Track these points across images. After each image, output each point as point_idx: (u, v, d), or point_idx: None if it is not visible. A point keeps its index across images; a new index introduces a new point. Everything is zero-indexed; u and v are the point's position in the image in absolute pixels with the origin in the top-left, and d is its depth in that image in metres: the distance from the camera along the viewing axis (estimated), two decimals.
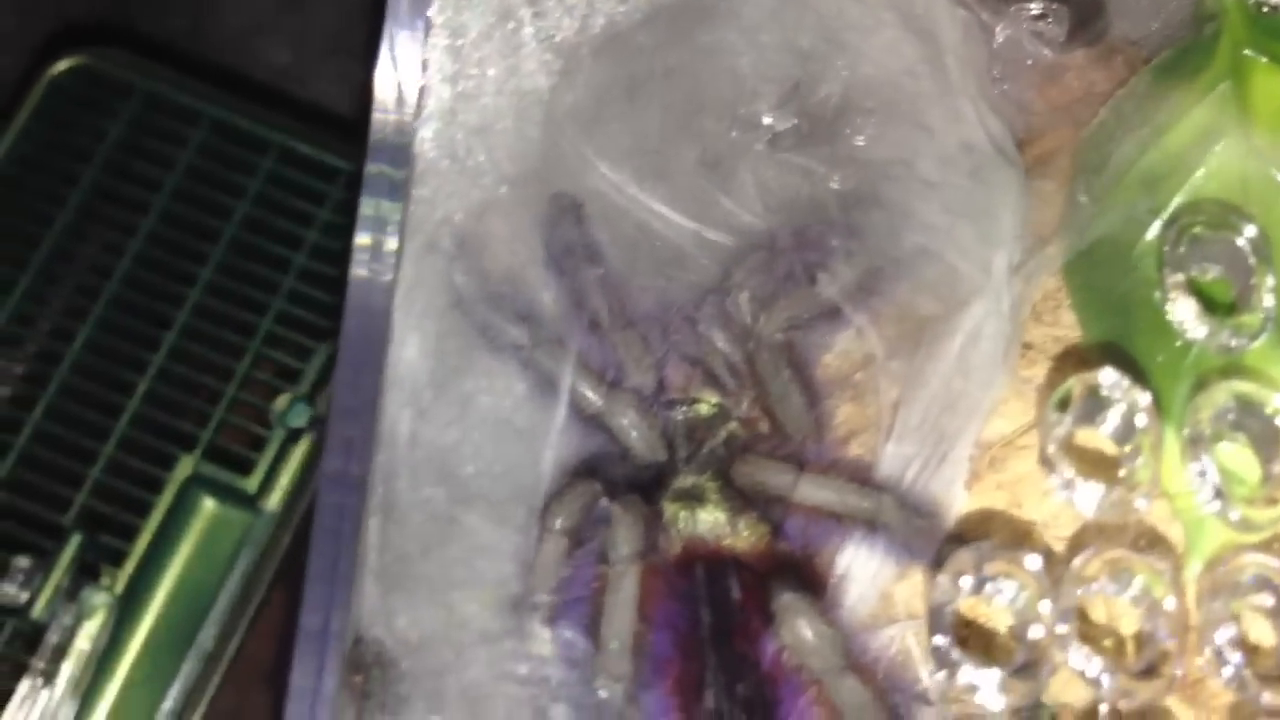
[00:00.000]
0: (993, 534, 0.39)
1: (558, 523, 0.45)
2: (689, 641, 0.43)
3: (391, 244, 0.44)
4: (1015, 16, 0.52)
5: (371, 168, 0.44)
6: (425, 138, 0.40)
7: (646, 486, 0.46)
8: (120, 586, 0.78)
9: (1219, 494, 0.37)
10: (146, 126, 0.83)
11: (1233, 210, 0.40)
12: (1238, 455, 0.39)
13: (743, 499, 0.46)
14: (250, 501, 0.76)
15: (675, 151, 0.52)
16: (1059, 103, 0.50)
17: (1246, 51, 0.45)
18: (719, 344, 0.48)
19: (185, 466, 0.79)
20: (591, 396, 0.46)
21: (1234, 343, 0.38)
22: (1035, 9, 0.52)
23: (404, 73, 0.43)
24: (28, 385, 0.80)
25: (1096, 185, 0.43)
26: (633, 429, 0.46)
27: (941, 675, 0.36)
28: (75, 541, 0.76)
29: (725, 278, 0.49)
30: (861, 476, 0.44)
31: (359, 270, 0.44)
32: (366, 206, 0.44)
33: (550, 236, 0.49)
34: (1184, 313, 0.38)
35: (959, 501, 0.42)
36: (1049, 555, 0.39)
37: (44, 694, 0.75)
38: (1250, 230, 0.38)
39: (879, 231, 0.42)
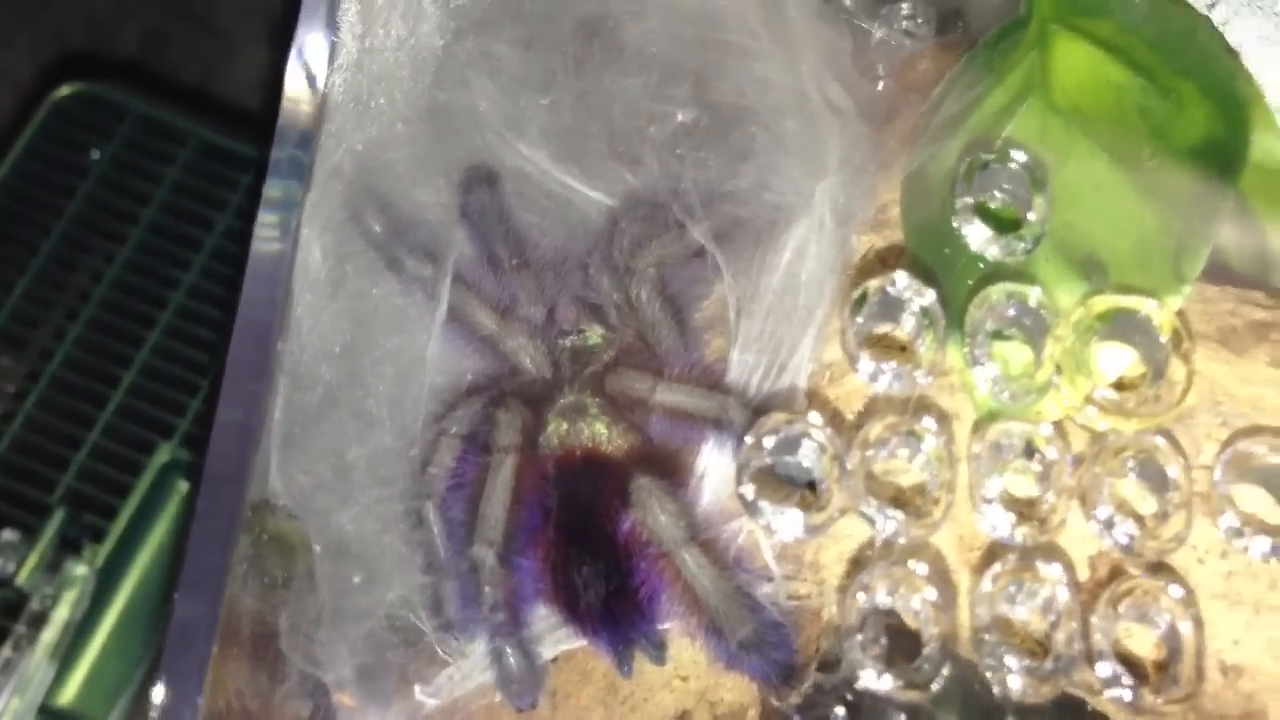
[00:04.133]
0: None
1: (452, 428, 0.53)
2: (557, 518, 0.50)
3: (292, 222, 0.50)
4: (889, 17, 0.62)
5: (277, 152, 0.51)
6: (335, 84, 0.48)
7: (532, 403, 0.54)
8: (100, 560, 0.85)
9: (993, 377, 0.45)
10: (138, 146, 0.92)
11: (1012, 144, 0.48)
12: (1011, 347, 0.47)
13: (618, 413, 0.53)
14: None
15: (587, 137, 0.60)
16: (915, 83, 0.59)
17: (1051, 25, 0.53)
18: (605, 285, 0.55)
19: (164, 453, 0.86)
20: (485, 320, 0.54)
21: (1010, 254, 0.47)
22: (905, 9, 0.61)
23: (311, 66, 0.51)
24: (24, 379, 0.89)
25: (925, 139, 0.52)
26: (522, 351, 0.54)
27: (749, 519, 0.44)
28: (59, 517, 0.83)
29: (612, 228, 0.56)
30: (714, 383, 0.51)
31: (261, 246, 0.50)
32: (272, 188, 0.51)
33: (466, 199, 0.58)
34: (970, 229, 0.46)
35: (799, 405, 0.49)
36: (842, 421, 0.47)
37: (24, 658, 0.79)
38: (1022, 157, 0.47)
39: (726, 170, 0.51)
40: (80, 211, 0.91)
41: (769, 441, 0.43)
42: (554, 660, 0.55)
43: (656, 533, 0.49)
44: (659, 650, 0.51)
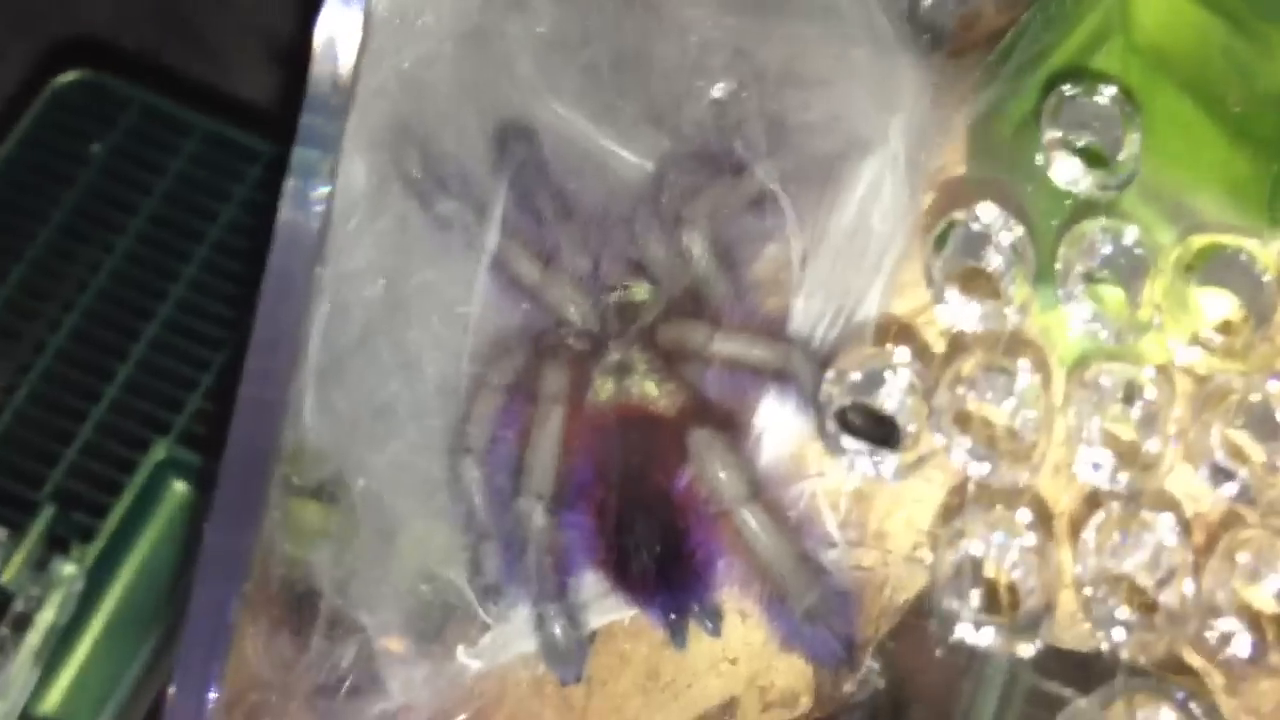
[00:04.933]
0: None
1: (494, 379, 0.49)
2: (608, 471, 0.46)
3: (321, 191, 0.47)
4: None
5: (306, 119, 0.48)
6: (380, 4, 0.45)
7: (578, 359, 0.50)
8: (89, 561, 0.80)
9: (1089, 316, 0.42)
10: (141, 135, 0.88)
11: (1101, 77, 0.45)
12: (1105, 289, 0.44)
13: (668, 368, 0.49)
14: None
15: (624, 102, 0.57)
16: (981, 35, 0.56)
17: None
18: (652, 238, 0.52)
19: (159, 450, 0.82)
20: (528, 269, 0.50)
21: (1103, 189, 0.43)
22: None
23: (339, 34, 0.48)
24: (15, 372, 0.85)
25: (1001, 78, 0.48)
26: (569, 301, 0.51)
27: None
28: (47, 514, 0.79)
29: (659, 178, 0.53)
30: (775, 333, 0.48)
31: (286, 214, 0.47)
32: (299, 155, 0.48)
33: (502, 153, 0.54)
34: (1059, 164, 0.43)
35: None
36: (930, 358, 0.43)
37: (6, 662, 0.75)
38: (1112, 90, 0.44)
39: (793, 102, 0.47)
40: (80, 201, 0.88)
41: (853, 377, 0.39)
42: (590, 640, 0.50)
43: (715, 489, 0.46)
44: (715, 620, 0.48)
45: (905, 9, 0.54)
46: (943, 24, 0.58)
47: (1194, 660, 0.42)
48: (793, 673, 0.52)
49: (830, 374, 0.41)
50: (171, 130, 0.90)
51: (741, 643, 0.52)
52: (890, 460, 0.40)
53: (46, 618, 0.78)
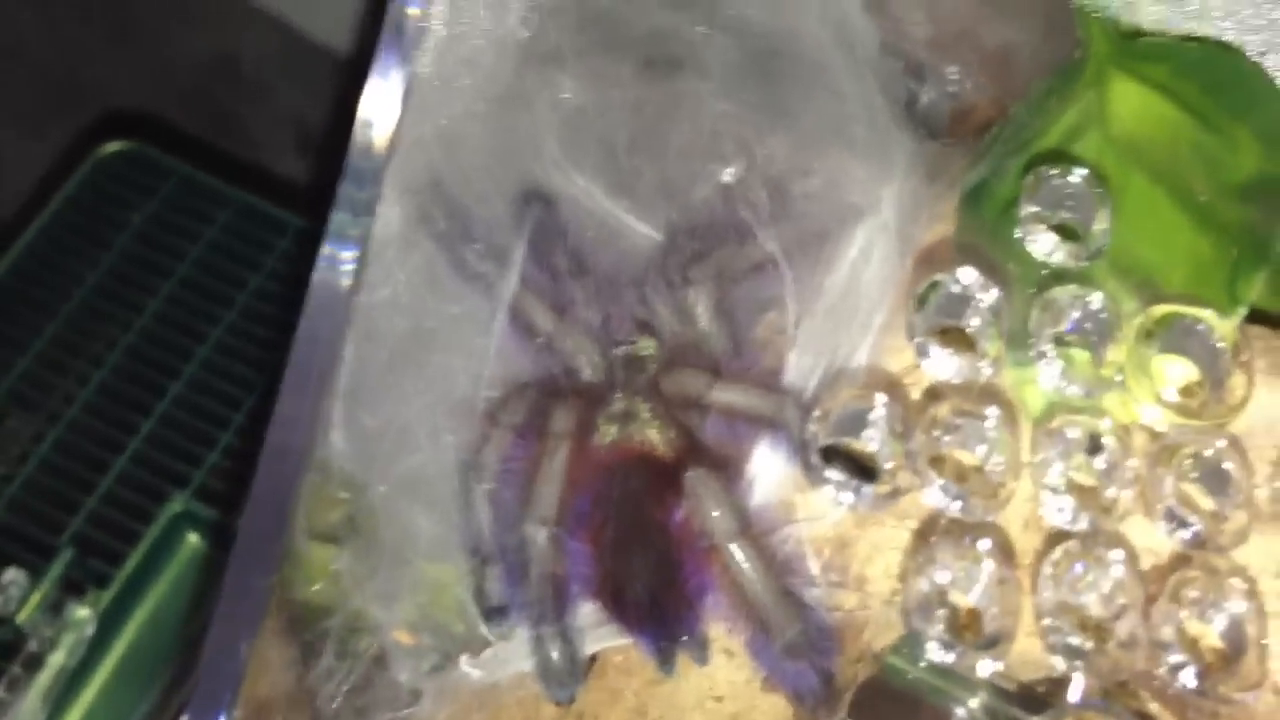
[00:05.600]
0: None
1: (506, 418, 0.54)
2: (608, 504, 0.51)
3: (352, 255, 0.52)
4: (937, 81, 0.64)
5: (345, 188, 0.52)
6: (424, 64, 0.50)
7: (586, 403, 0.55)
8: (103, 606, 0.84)
9: (1059, 372, 0.46)
10: (177, 205, 0.95)
11: (1074, 160, 0.50)
12: (1073, 352, 0.49)
13: (669, 416, 0.54)
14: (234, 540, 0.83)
15: (640, 175, 0.62)
16: (971, 127, 0.62)
17: (1109, 67, 0.56)
18: (660, 299, 0.57)
19: (176, 503, 0.86)
20: (542, 320, 0.55)
21: (1073, 261, 0.48)
22: (953, 74, 0.64)
23: (379, 109, 0.53)
24: (45, 421, 0.89)
25: (987, 159, 0.54)
26: (579, 351, 0.55)
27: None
28: (65, 558, 0.83)
29: (669, 243, 0.58)
30: (770, 385, 0.52)
31: (322, 275, 0.51)
32: (335, 222, 0.52)
33: (524, 214, 0.60)
34: (1034, 237, 0.48)
35: None
36: (907, 403, 0.48)
37: (16, 700, 0.78)
38: (1083, 172, 0.49)
39: (793, 171, 0.53)
40: (115, 263, 0.93)
41: (836, 415, 0.43)
42: (590, 663, 0.54)
43: (707, 525, 0.50)
44: (702, 650, 0.51)
45: (904, 101, 0.59)
46: (939, 117, 0.63)
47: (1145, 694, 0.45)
48: (775, 713, 0.55)
49: (815, 413, 0.45)
50: (206, 201, 0.96)
51: (727, 681, 0.55)
52: (867, 491, 0.43)
53: (58, 659, 0.81)
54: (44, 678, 0.81)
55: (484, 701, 0.52)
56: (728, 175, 0.61)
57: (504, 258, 0.52)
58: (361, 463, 0.47)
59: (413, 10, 0.50)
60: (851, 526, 0.51)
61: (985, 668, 0.41)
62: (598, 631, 0.52)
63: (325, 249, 0.51)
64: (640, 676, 0.56)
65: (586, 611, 0.52)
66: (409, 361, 0.49)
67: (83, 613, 0.83)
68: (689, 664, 0.53)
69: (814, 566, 0.51)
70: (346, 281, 0.49)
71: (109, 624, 0.84)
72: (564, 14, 0.53)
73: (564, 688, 0.50)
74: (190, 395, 0.89)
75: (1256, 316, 0.53)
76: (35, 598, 0.82)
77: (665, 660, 0.50)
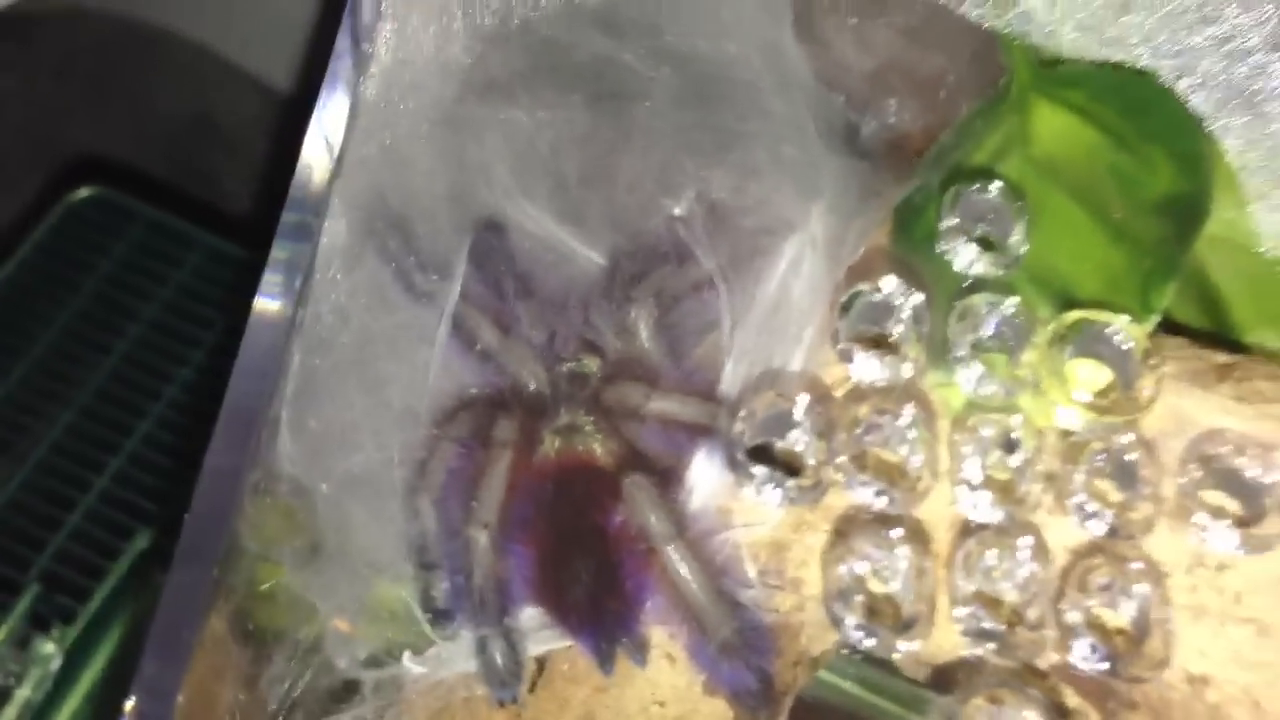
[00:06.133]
0: None
1: (451, 431, 0.57)
2: (550, 511, 0.53)
3: (295, 283, 0.54)
4: (876, 113, 0.68)
5: (288, 217, 0.55)
6: (370, 89, 0.53)
7: (530, 417, 0.58)
8: (69, 642, 0.86)
9: (978, 375, 0.50)
10: (147, 248, 0.98)
11: (992, 175, 0.54)
12: (991, 357, 0.52)
13: (611, 429, 0.57)
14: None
15: (589, 205, 0.65)
16: (905, 152, 0.66)
17: (1030, 93, 0.60)
18: (602, 319, 0.60)
19: (142, 539, 0.88)
20: (489, 336, 0.58)
21: (992, 270, 0.51)
22: (890, 104, 0.68)
23: (326, 143, 0.56)
24: (13, 461, 0.92)
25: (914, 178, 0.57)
26: (524, 367, 0.58)
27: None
28: (31, 593, 0.84)
29: (613, 267, 0.61)
30: (706, 394, 0.55)
31: (264, 302, 0.54)
32: (279, 250, 0.55)
33: (475, 242, 0.63)
34: (954, 248, 0.52)
35: None
36: (831, 404, 0.51)
37: None
38: (999, 184, 0.52)
39: (728, 190, 0.56)
40: (85, 305, 0.95)
41: (760, 417, 0.46)
42: (531, 690, 0.56)
43: (644, 528, 0.52)
44: (641, 651, 0.53)
45: (845, 132, 0.62)
46: (877, 147, 0.67)
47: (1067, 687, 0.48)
48: (716, 716, 0.57)
49: (742, 413, 0.48)
50: (175, 244, 1.00)
51: (669, 686, 0.57)
52: (791, 486, 0.46)
53: (23, 694, 0.83)
54: (9, 712, 0.82)
55: (431, 706, 0.54)
56: (676, 209, 0.62)
57: (449, 274, 0.55)
58: (306, 463, 0.50)
59: (360, 45, 0.52)
60: (788, 531, 0.53)
61: (903, 648, 0.43)
62: (540, 634, 0.54)
63: (266, 276, 0.54)
64: (587, 684, 0.58)
65: (529, 614, 0.53)
66: (353, 367, 0.52)
67: (49, 648, 0.85)
68: (634, 671, 0.56)
69: (750, 570, 0.53)
70: (287, 308, 0.51)
71: (75, 659, 0.86)
72: (506, 42, 0.56)
73: (507, 688, 0.52)
74: (158, 433, 0.92)
75: (1172, 328, 0.56)
76: (1, 633, 0.84)
77: (605, 660, 0.52)
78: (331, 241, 0.49)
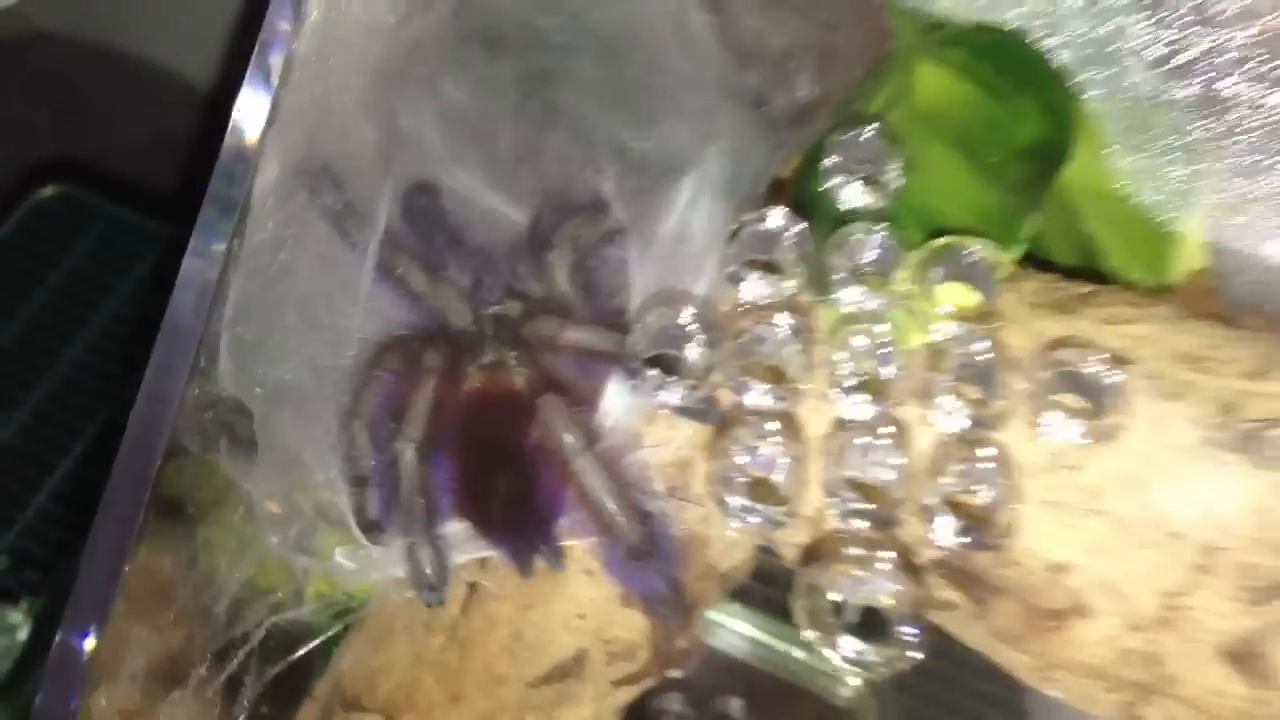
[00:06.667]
0: None
1: (383, 363, 0.63)
2: (472, 430, 0.60)
3: (219, 247, 0.59)
4: (787, 86, 0.75)
5: (215, 185, 0.59)
6: (300, 46, 0.60)
7: (457, 353, 0.64)
8: (35, 612, 0.91)
9: (857, 294, 0.56)
10: (110, 243, 1.04)
11: (867, 118, 0.61)
12: (868, 279, 0.59)
13: (532, 361, 0.63)
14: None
15: (519, 177, 0.72)
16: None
17: (914, 53, 0.67)
18: (525, 267, 0.66)
19: None
20: (417, 279, 0.64)
21: (873, 202, 0.58)
22: (796, 73, 0.75)
23: (250, 118, 0.60)
24: None
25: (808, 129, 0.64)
26: (451, 309, 0.64)
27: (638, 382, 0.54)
28: (2, 562, 0.89)
29: (534, 220, 0.68)
30: (617, 326, 0.62)
31: (191, 261, 0.58)
32: (208, 211, 0.59)
33: (405, 196, 0.69)
34: (837, 185, 0.58)
35: None
36: (719, 318, 0.58)
37: None
38: (875, 126, 0.59)
39: (635, 138, 0.63)
40: (50, 298, 1.02)
41: (654, 330, 0.53)
42: (463, 612, 0.62)
43: (559, 443, 0.57)
44: (557, 558, 0.58)
45: (739, 90, 0.69)
46: (786, 114, 0.74)
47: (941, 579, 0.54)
48: (633, 627, 0.63)
49: (638, 326, 0.54)
50: (138, 238, 1.06)
51: (589, 600, 0.63)
52: (682, 385, 0.53)
53: None
54: None
55: (372, 635, 0.60)
56: (604, 181, 0.69)
57: (377, 221, 0.61)
58: (240, 373, 0.56)
59: (284, 25, 0.59)
60: (694, 450, 0.59)
61: (781, 520, 0.50)
62: (465, 545, 0.59)
63: (193, 242, 0.58)
64: (514, 603, 0.64)
65: (456, 528, 0.60)
66: (285, 288, 0.58)
67: (16, 617, 0.91)
68: (556, 588, 0.62)
69: (659, 488, 0.59)
70: (214, 273, 0.57)
71: (42, 629, 0.91)
72: (431, 7, 0.62)
73: (434, 591, 0.58)
74: (121, 418, 0.97)
75: (1047, 267, 0.63)
76: None
77: (523, 565, 0.58)
78: (265, 179, 0.54)
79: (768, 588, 0.75)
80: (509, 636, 0.64)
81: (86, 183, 1.09)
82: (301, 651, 0.63)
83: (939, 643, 0.68)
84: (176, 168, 1.17)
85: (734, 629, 0.83)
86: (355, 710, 0.64)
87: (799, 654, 0.83)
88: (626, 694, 0.64)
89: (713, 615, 0.81)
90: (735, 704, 0.79)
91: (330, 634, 0.65)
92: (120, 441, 0.54)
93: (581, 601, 0.63)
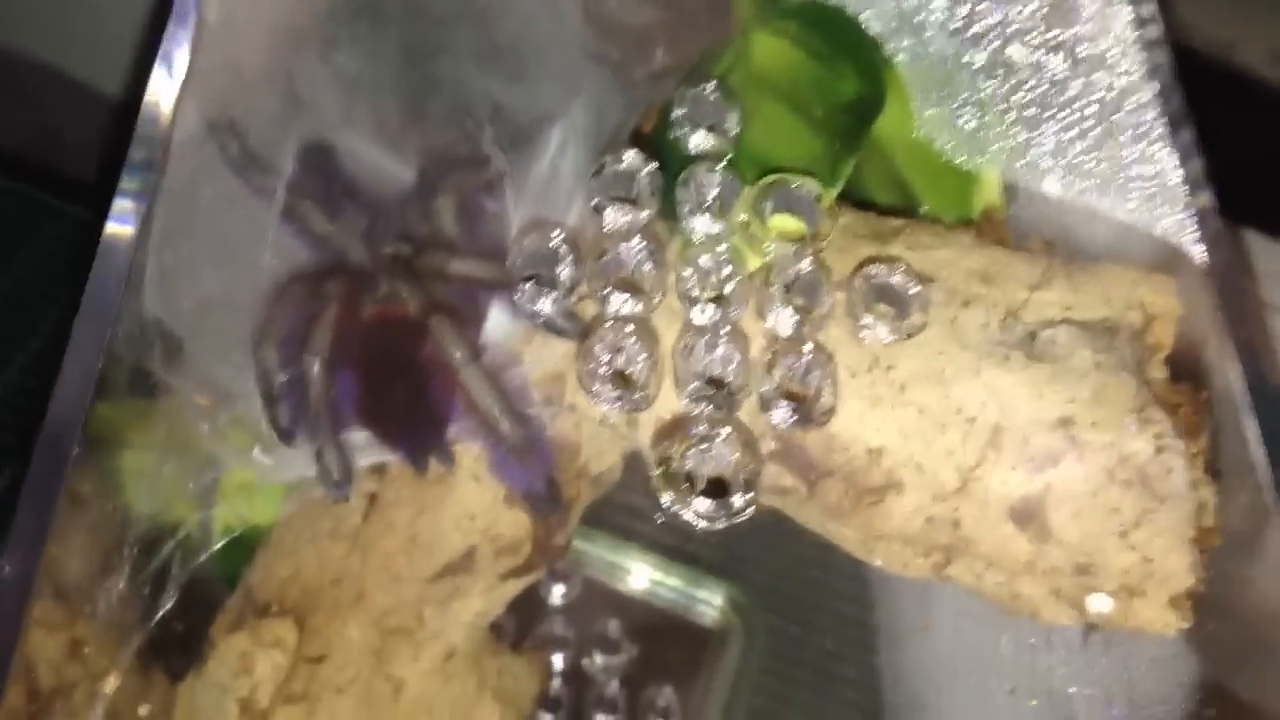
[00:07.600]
0: None
1: (289, 293, 0.73)
2: (371, 345, 0.70)
3: (140, 209, 0.67)
4: (646, 61, 0.87)
5: (135, 152, 0.68)
6: (212, 12, 0.70)
7: (355, 282, 0.74)
8: None
9: (704, 225, 0.68)
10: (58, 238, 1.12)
11: (707, 78, 0.73)
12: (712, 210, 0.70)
13: (423, 290, 0.74)
14: None
15: (408, 140, 0.82)
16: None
17: (751, 25, 0.79)
18: (415, 214, 0.77)
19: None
20: (318, 222, 0.74)
21: (716, 151, 0.70)
22: (657, 55, 0.87)
23: (164, 92, 0.70)
24: None
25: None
26: (350, 249, 0.74)
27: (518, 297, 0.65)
28: None
29: (422, 171, 0.78)
30: (497, 256, 0.73)
31: (113, 226, 0.66)
32: (127, 180, 0.67)
33: (304, 152, 0.79)
34: (684, 135, 0.70)
35: None
36: (586, 244, 0.69)
37: None
38: (713, 84, 0.71)
39: (509, 94, 0.74)
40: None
41: (527, 253, 0.64)
42: (364, 520, 0.73)
43: (447, 355, 0.67)
44: (448, 458, 0.69)
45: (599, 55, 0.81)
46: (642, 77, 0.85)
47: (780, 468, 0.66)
48: (517, 525, 0.73)
49: (514, 250, 0.66)
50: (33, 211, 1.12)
51: (477, 502, 0.72)
52: (552, 296, 0.64)
53: None
54: None
55: (280, 550, 0.70)
56: (483, 132, 0.78)
57: (280, 174, 0.71)
58: (164, 293, 0.65)
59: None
60: (565, 365, 0.70)
61: (639, 403, 0.61)
62: (366, 451, 0.70)
63: (116, 204, 0.65)
64: (409, 509, 0.72)
65: (359, 436, 0.70)
66: (203, 218, 0.67)
67: None
68: (447, 495, 0.71)
69: (536, 397, 0.70)
70: (133, 231, 0.66)
71: None
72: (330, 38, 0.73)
73: (340, 488, 0.68)
74: (13, 397, 1.05)
75: (863, 205, 0.76)
76: None
77: (418, 463, 0.68)
78: (183, 130, 0.64)
79: (646, 527, 0.86)
80: (406, 539, 0.72)
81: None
82: (203, 556, 0.71)
83: (793, 567, 0.81)
84: (81, 158, 1.26)
85: (613, 562, 0.94)
86: (266, 616, 0.72)
87: (672, 583, 0.95)
88: (513, 587, 0.68)
89: (589, 547, 0.92)
90: (613, 625, 0.91)
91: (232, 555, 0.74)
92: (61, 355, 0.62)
93: (470, 504, 0.72)
